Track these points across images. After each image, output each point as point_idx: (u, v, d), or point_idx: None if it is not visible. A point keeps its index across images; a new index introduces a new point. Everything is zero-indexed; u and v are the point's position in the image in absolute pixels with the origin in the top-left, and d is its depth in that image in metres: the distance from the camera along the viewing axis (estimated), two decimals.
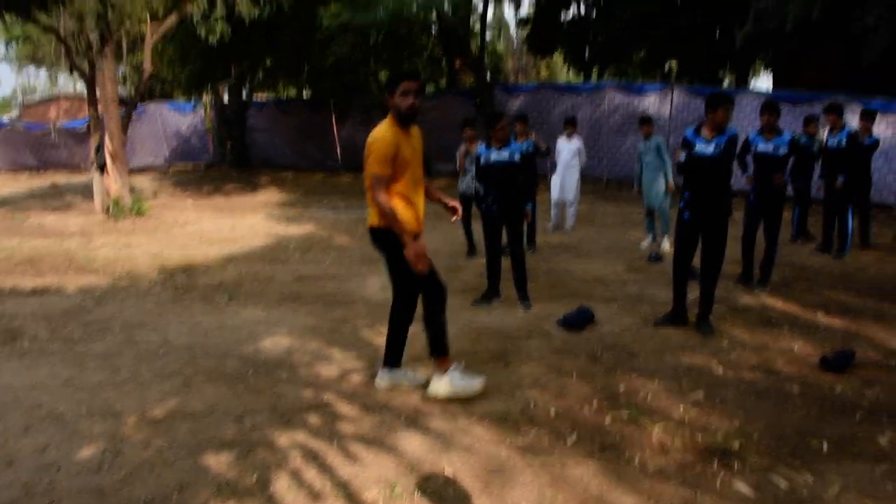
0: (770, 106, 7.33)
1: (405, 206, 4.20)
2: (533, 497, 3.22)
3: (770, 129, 7.27)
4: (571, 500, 3.20)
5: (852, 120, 10.66)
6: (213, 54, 16.81)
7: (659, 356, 5.21)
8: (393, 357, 4.52)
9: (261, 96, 25.45)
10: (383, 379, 4.54)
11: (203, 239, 10.56)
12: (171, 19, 13.79)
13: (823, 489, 3.32)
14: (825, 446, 3.75)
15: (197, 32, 14.34)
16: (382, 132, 4.14)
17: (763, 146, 7.26)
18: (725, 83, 23.35)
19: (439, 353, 4.41)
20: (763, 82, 35.41)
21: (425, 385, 4.46)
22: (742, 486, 3.35)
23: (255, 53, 19.17)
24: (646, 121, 9.75)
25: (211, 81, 20.04)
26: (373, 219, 4.24)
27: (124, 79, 24.87)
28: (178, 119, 22.88)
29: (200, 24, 14.18)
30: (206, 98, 22.02)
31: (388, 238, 4.19)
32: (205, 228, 11.67)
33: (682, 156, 5.72)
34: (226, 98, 22.18)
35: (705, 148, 5.59)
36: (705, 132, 5.66)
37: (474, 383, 4.38)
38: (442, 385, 4.34)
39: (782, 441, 3.81)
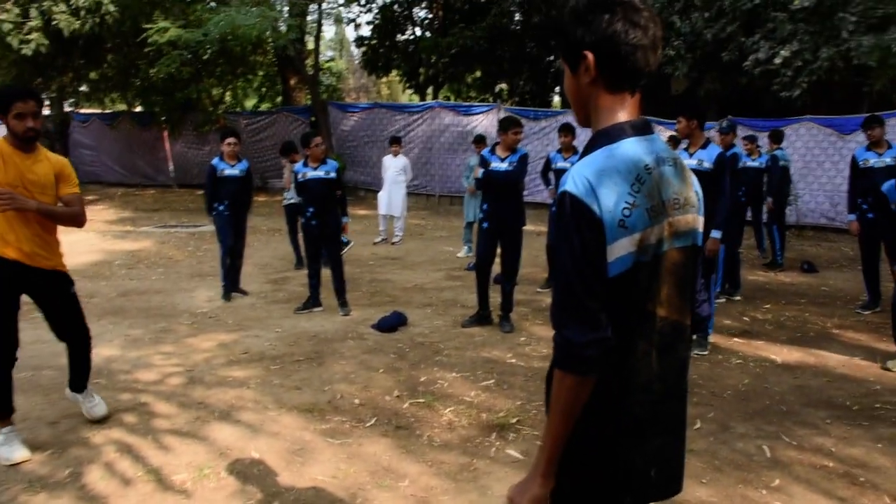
0: (566, 127, 8.32)
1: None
2: (329, 471, 3.66)
3: (567, 148, 8.23)
4: (363, 471, 3.67)
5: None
6: (29, 65, 16.00)
7: (461, 352, 5.81)
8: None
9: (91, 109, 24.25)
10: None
11: None
12: None
13: None
14: None
15: (8, 41, 13.65)
16: None
17: (562, 163, 8.20)
18: (557, 106, 24.98)
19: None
20: None
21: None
22: (513, 452, 3.95)
23: (78, 66, 18.40)
24: (480, 139, 10.54)
25: None
26: None
27: None
28: None
29: (14, 34, 13.53)
30: None
31: None
32: None
33: (480, 172, 6.40)
34: (46, 111, 21.01)
35: (499, 165, 6.30)
36: (500, 151, 6.37)
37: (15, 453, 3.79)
38: None
39: None
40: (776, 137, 9.92)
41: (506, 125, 6.32)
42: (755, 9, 12.14)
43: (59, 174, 3.88)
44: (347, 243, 9.71)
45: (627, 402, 1.58)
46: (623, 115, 1.59)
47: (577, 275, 1.48)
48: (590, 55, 1.55)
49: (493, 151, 6.41)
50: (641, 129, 1.60)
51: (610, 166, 1.51)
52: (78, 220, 3.97)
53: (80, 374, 4.26)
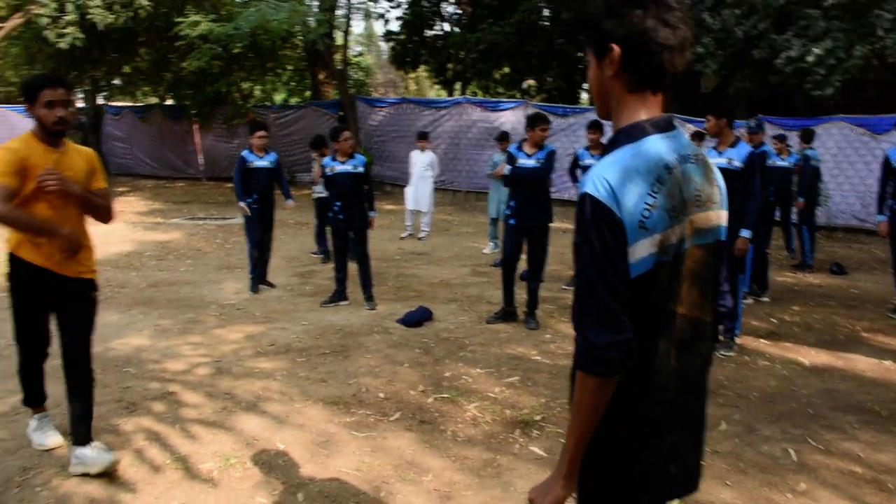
0: (595, 124, 8.27)
1: (32, 238, 3.48)
2: (353, 464, 3.70)
3: (595, 145, 8.18)
4: (387, 464, 3.70)
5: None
6: (65, 58, 16.29)
7: (486, 348, 5.82)
8: (26, 399, 3.89)
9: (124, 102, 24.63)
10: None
11: None
12: (16, 20, 13.35)
13: None
14: None
15: (45, 35, 13.90)
16: (9, 143, 3.51)
17: (589, 160, 8.15)
18: (584, 102, 24.81)
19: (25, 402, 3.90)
20: None
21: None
22: (536, 449, 3.95)
23: (112, 60, 18.69)
24: (504, 136, 10.56)
25: None
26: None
27: None
28: (26, 124, 21.53)
29: (50, 28, 13.77)
30: None
31: (9, 267, 3.59)
32: None
33: (506, 168, 6.39)
34: (80, 104, 21.37)
35: (527, 161, 6.29)
36: (527, 148, 6.36)
37: (48, 439, 3.85)
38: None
39: None
40: (807, 137, 9.79)
41: (533, 122, 6.31)
42: (787, 5, 11.97)
43: (91, 168, 3.68)
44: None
45: (646, 402, 1.58)
46: (644, 113, 1.58)
47: (598, 277, 1.48)
48: (616, 48, 1.54)
49: (520, 148, 6.40)
50: (663, 126, 1.59)
51: (630, 167, 1.50)
52: (110, 215, 3.81)
53: (81, 410, 3.62)
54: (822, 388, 4.98)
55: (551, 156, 6.33)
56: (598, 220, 1.47)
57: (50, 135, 3.47)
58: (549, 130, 6.42)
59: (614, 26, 1.54)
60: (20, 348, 3.74)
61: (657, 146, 1.55)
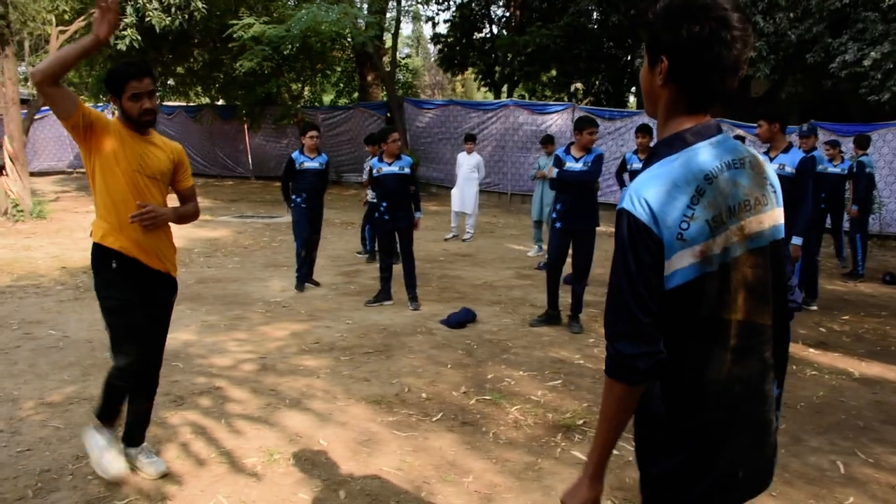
0: (644, 128, 8.19)
1: (107, 216, 3.29)
2: (394, 463, 3.71)
3: (644, 149, 8.10)
4: (428, 464, 3.70)
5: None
6: (122, 59, 16.73)
7: (529, 351, 5.78)
8: (103, 412, 3.41)
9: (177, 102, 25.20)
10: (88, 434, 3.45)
11: None
12: (78, 23, 13.74)
13: None
14: None
15: None
16: None
17: (637, 164, 8.07)
18: (632, 106, 24.55)
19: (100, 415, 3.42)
20: None
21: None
22: (578, 453, 3.91)
23: (167, 61, 19.12)
24: (548, 140, 10.51)
25: None
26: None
27: (25, 79, 24.19)
28: None
29: None
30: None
31: (92, 259, 3.37)
32: None
33: (554, 172, 6.35)
34: None
35: (574, 165, 6.24)
36: (574, 151, 6.31)
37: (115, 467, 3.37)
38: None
39: None
40: (862, 143, 9.50)
41: (581, 125, 6.26)
42: (844, 8, 11.65)
43: (177, 163, 3.49)
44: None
45: (706, 410, 1.56)
46: (687, 124, 1.57)
47: (630, 292, 1.48)
48: (665, 61, 1.52)
49: (567, 151, 6.35)
50: (705, 133, 1.56)
51: (669, 181, 1.49)
52: (196, 216, 3.65)
53: (141, 412, 3.58)
54: (872, 400, 4.83)
55: (599, 159, 6.27)
56: (634, 238, 1.48)
57: (137, 125, 3.33)
58: (596, 134, 6.35)
59: (667, 38, 1.52)
60: (118, 363, 3.30)
61: (698, 156, 1.53)
